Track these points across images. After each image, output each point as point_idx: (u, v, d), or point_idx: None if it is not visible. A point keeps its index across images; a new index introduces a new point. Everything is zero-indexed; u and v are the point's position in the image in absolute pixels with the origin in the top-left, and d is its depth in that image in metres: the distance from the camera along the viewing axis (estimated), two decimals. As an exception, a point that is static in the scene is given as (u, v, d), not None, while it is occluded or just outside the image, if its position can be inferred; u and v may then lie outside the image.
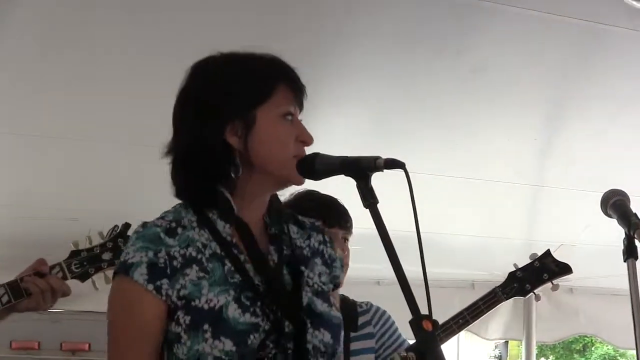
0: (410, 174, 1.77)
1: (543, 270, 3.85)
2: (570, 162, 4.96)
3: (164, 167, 1.96)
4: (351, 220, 3.07)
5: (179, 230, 1.87)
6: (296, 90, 1.95)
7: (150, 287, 1.80)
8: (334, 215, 3.00)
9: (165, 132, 1.98)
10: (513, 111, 4.58)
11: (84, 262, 3.09)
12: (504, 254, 5.11)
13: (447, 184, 4.80)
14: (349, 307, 3.25)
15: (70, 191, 4.27)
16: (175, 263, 1.82)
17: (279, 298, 1.86)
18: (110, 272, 3.05)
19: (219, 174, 1.89)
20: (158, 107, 2.11)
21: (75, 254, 3.09)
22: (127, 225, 3.12)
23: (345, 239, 3.07)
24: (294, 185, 2.00)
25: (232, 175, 1.88)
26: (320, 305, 1.95)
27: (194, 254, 1.85)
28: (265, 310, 1.83)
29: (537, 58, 4.21)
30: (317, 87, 2.06)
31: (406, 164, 1.78)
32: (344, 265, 2.14)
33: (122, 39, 3.66)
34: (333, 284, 2.07)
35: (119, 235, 3.12)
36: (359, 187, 1.79)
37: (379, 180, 1.84)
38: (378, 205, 1.78)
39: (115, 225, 3.15)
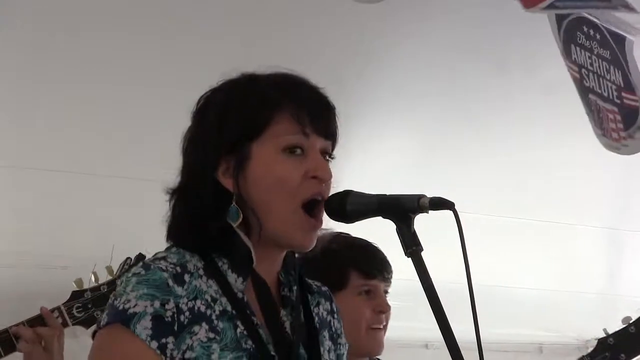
0: (461, 215, 1.76)
1: None
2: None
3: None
4: (392, 270, 3.07)
5: (186, 277, 1.81)
6: (310, 115, 1.86)
7: (154, 344, 1.73)
8: (375, 264, 2.97)
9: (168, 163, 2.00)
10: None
11: (88, 304, 3.06)
12: (578, 311, 5.08)
13: (507, 226, 4.79)
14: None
15: (55, 232, 4.30)
16: (182, 318, 1.77)
17: None
18: None
19: (213, 219, 1.86)
20: (159, 137, 2.13)
21: (77, 295, 3.07)
22: (140, 257, 3.06)
23: (386, 292, 3.07)
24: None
25: (230, 222, 1.84)
26: None
27: (202, 308, 1.80)
28: None
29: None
30: (349, 112, 2.06)
31: (456, 203, 1.76)
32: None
33: (114, 67, 3.76)
34: None
35: (131, 269, 3.08)
36: (399, 231, 1.79)
37: (423, 223, 1.85)
38: (422, 253, 1.78)
39: (128, 258, 3.10)
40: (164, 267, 1.80)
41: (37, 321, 2.97)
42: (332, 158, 1.93)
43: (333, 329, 2.04)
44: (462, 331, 1.77)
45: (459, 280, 1.82)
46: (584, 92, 3.15)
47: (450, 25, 3.94)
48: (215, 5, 3.67)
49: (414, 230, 1.79)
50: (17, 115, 3.89)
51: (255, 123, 1.86)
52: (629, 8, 2.92)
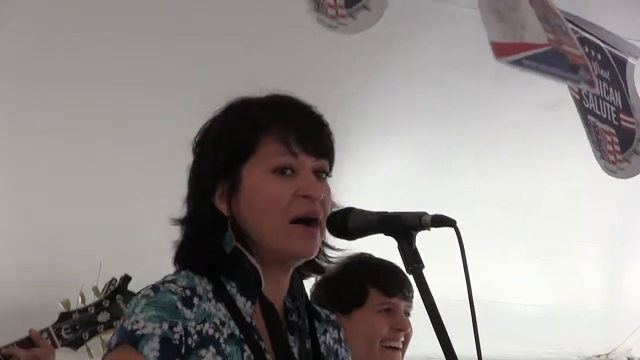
0: (462, 231, 1.77)
1: None
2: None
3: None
4: (413, 290, 3.05)
5: (195, 300, 1.83)
6: (298, 135, 1.88)
7: None
8: (396, 282, 2.97)
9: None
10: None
11: (76, 325, 3.07)
12: (578, 327, 5.07)
13: (507, 242, 4.79)
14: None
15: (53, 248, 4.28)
16: (190, 341, 1.78)
17: None
18: (107, 336, 3.00)
19: (213, 244, 1.88)
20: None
21: (65, 316, 3.07)
22: (126, 279, 3.09)
23: (407, 313, 3.06)
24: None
25: (225, 248, 1.87)
26: None
27: (210, 332, 1.81)
28: None
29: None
30: (348, 129, 2.07)
31: (458, 219, 1.78)
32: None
33: (109, 69, 3.78)
34: None
35: (117, 290, 3.09)
36: (401, 248, 1.80)
37: (425, 239, 1.86)
38: (424, 270, 1.79)
39: (113, 279, 3.10)
40: (173, 290, 1.81)
41: (26, 343, 2.98)
42: (329, 176, 1.94)
43: (340, 358, 2.05)
44: (463, 347, 1.77)
45: (459, 296, 1.83)
46: (584, 113, 3.15)
47: (447, 41, 3.96)
48: (216, 4, 3.69)
49: (416, 248, 1.80)
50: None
51: (244, 146, 1.88)
52: (593, 85, 2.93)
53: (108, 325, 3.08)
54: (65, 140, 3.95)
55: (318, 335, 2.01)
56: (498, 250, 4.74)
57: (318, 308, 2.07)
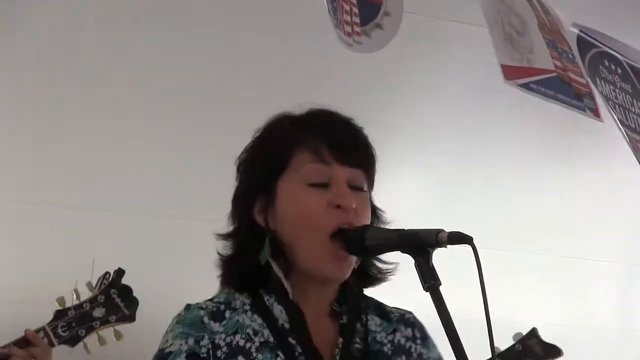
0: (479, 250, 1.76)
1: (527, 354, 3.75)
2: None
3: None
4: None
5: (227, 313, 1.89)
6: (330, 144, 1.91)
7: None
8: None
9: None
10: (607, 177, 4.57)
11: (72, 322, 3.04)
12: (593, 346, 5.04)
13: (522, 262, 4.76)
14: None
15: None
16: (219, 353, 1.83)
17: None
18: (104, 332, 3.04)
19: (252, 258, 1.91)
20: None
21: (61, 313, 3.05)
22: (120, 272, 3.08)
23: None
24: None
25: (261, 261, 1.89)
26: None
27: (241, 342, 1.85)
28: None
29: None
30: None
31: (474, 238, 1.76)
32: None
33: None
34: None
35: (111, 285, 3.08)
36: (417, 265, 1.78)
37: (441, 257, 1.85)
38: (440, 287, 1.78)
39: (107, 273, 3.09)
40: (203, 306, 1.89)
41: (23, 343, 2.97)
42: (364, 190, 1.97)
43: (414, 355, 2.03)
44: (475, 366, 1.76)
45: (475, 314, 1.82)
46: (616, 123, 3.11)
47: (469, 61, 3.96)
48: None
49: (433, 265, 1.80)
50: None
51: (278, 160, 1.91)
52: (597, 114, 2.91)
53: (104, 321, 3.07)
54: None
55: (385, 335, 2.01)
56: (513, 269, 4.72)
57: (392, 308, 2.07)
